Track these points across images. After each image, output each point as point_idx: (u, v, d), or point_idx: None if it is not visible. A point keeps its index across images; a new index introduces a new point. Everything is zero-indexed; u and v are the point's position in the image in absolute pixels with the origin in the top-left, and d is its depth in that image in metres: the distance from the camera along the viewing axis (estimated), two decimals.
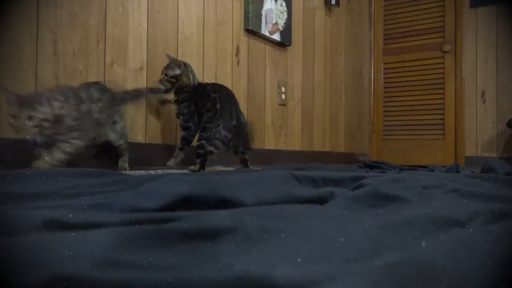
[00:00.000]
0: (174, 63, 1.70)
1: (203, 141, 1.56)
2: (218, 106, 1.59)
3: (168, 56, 1.76)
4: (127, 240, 0.42)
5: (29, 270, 0.35)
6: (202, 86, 1.72)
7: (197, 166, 1.58)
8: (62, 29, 1.51)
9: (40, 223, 0.47)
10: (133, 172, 1.40)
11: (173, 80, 1.68)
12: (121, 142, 1.53)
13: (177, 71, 1.68)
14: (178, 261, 0.44)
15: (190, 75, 1.72)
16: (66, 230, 0.46)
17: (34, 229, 0.47)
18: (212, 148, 1.55)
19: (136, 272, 0.38)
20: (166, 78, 1.68)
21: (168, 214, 0.51)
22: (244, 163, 1.71)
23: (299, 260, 0.46)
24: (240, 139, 1.63)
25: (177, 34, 1.98)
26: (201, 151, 1.56)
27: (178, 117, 1.72)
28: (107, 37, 1.67)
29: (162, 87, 1.69)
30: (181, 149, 1.72)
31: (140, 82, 1.80)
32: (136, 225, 0.46)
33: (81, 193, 0.75)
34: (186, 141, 1.71)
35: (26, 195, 0.75)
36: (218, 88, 1.66)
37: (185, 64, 1.72)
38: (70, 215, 0.49)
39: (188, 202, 0.59)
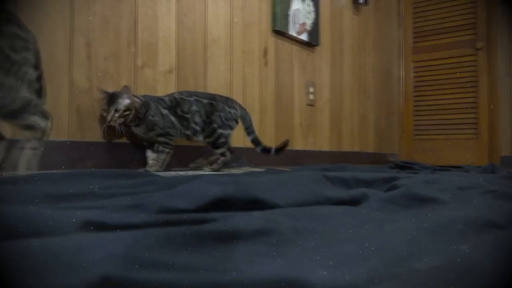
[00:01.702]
0: (119, 95, 1.46)
1: (219, 130, 1.67)
2: (206, 101, 1.68)
3: (101, 91, 1.50)
4: (164, 241, 0.42)
5: (72, 271, 0.36)
6: (156, 98, 1.62)
7: (223, 157, 1.68)
8: (95, 33, 1.54)
9: (79, 224, 0.48)
10: (163, 173, 1.42)
11: (127, 113, 1.46)
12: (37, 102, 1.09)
13: (127, 101, 1.46)
14: (214, 262, 0.44)
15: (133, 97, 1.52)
16: (104, 231, 0.47)
17: (73, 230, 0.48)
18: (229, 131, 1.70)
19: (174, 273, 0.38)
20: (119, 114, 1.45)
21: (203, 215, 0.51)
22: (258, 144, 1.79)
23: (336, 262, 0.45)
24: (246, 116, 1.77)
25: (205, 36, 2.00)
26: (223, 140, 1.68)
27: (153, 130, 1.56)
28: (138, 40, 1.70)
29: (116, 125, 1.47)
30: (162, 151, 1.58)
31: (169, 84, 1.82)
32: (172, 226, 0.46)
33: (115, 193, 0.76)
34: (169, 145, 1.60)
35: (62, 196, 0.77)
36: (187, 93, 1.68)
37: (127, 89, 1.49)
38: (108, 216, 0.49)
39: (222, 203, 0.59)
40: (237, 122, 1.75)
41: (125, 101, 1.46)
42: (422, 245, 0.54)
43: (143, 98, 1.55)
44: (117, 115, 1.45)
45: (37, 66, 1.11)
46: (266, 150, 1.75)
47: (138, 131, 1.56)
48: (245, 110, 1.79)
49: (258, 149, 1.76)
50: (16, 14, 1.08)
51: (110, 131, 1.55)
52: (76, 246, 0.41)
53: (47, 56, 1.40)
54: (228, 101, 1.74)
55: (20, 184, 0.89)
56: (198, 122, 1.66)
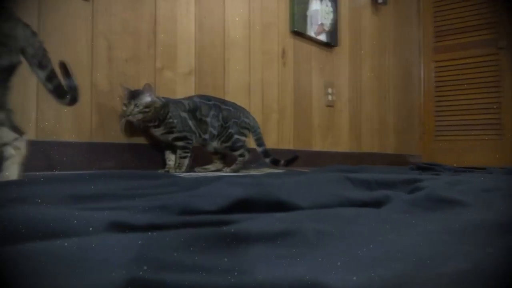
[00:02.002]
0: (141, 91, 1.50)
1: (237, 136, 1.71)
2: (224, 106, 1.72)
3: (123, 87, 1.53)
4: (189, 242, 0.43)
5: (98, 272, 0.36)
6: (176, 101, 1.63)
7: (241, 158, 1.72)
8: (116, 36, 1.56)
9: (104, 225, 0.49)
10: (183, 174, 1.43)
11: (146, 109, 1.48)
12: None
13: (148, 99, 1.49)
14: (237, 264, 0.44)
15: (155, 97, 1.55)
16: (130, 231, 0.47)
17: (98, 230, 0.49)
18: (244, 137, 1.75)
19: (199, 274, 0.38)
20: (138, 109, 1.47)
21: (226, 216, 0.52)
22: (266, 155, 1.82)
23: (358, 266, 0.45)
24: (257, 128, 1.82)
25: (224, 38, 2.00)
26: (240, 143, 1.72)
27: (171, 133, 1.58)
28: (157, 43, 1.71)
29: (134, 119, 1.49)
30: (184, 157, 1.60)
31: (189, 86, 1.83)
32: (197, 228, 0.46)
33: (138, 194, 0.77)
34: (188, 149, 1.61)
35: (86, 196, 0.78)
36: (206, 97, 1.71)
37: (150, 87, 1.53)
38: (133, 217, 0.50)
39: (244, 205, 0.59)
40: (249, 130, 1.79)
41: (146, 98, 1.49)
42: (447, 248, 0.53)
43: (164, 100, 1.56)
44: (136, 110, 1.47)
45: (42, 65, 1.05)
46: (276, 161, 1.79)
47: (157, 132, 1.58)
48: (256, 122, 1.82)
49: (268, 160, 1.80)
50: (7, 8, 1.01)
51: (128, 127, 1.58)
52: (101, 247, 0.41)
53: (70, 59, 1.42)
54: (244, 111, 1.79)
55: (43, 184, 0.90)
56: (216, 126, 1.68)
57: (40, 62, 1.05)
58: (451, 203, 0.80)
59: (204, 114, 1.65)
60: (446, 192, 0.82)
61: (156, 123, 1.55)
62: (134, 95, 1.48)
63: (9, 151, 1.00)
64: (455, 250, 0.53)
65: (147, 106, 1.49)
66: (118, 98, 1.57)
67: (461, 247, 0.55)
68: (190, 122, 1.62)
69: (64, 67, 1.11)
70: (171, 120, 1.56)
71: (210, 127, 1.66)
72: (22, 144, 1.02)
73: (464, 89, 3.69)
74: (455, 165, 2.70)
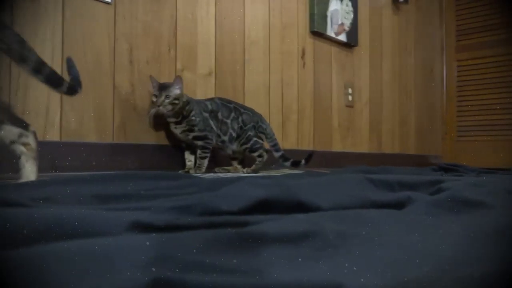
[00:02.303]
0: (171, 83, 1.52)
1: (255, 138, 1.76)
2: (244, 111, 1.76)
3: (151, 78, 1.54)
4: (210, 243, 0.43)
5: (121, 272, 0.37)
6: (199, 101, 1.66)
7: (260, 158, 1.75)
8: (137, 38, 1.58)
9: (127, 225, 0.50)
10: (203, 175, 1.44)
11: (176, 101, 1.51)
12: None
13: (178, 91, 1.52)
14: (259, 265, 0.44)
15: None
16: (151, 232, 0.48)
17: (121, 231, 0.49)
18: (262, 140, 1.80)
19: (221, 275, 0.38)
20: (168, 101, 1.50)
21: (248, 217, 0.52)
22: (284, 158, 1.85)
23: (382, 268, 0.44)
24: (273, 134, 1.85)
25: (244, 39, 2.01)
26: (258, 145, 1.76)
27: (191, 131, 1.58)
28: (178, 44, 1.73)
29: (164, 111, 1.51)
30: (204, 158, 1.60)
31: (209, 87, 1.84)
32: (218, 228, 0.46)
33: (160, 195, 0.78)
34: (207, 149, 1.61)
35: (108, 197, 0.79)
36: (227, 100, 1.75)
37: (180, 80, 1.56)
38: (155, 217, 0.50)
39: (264, 206, 0.59)
40: (264, 135, 1.82)
41: (176, 90, 1.52)
42: (471, 250, 0.52)
43: (188, 97, 1.59)
44: (167, 101, 1.50)
45: (23, 58, 0.99)
46: (296, 163, 1.82)
47: (177, 129, 1.59)
48: (271, 129, 1.86)
49: (288, 163, 1.82)
50: None
51: (151, 126, 1.60)
52: (123, 247, 0.42)
53: (92, 62, 1.45)
54: (261, 117, 1.83)
55: (66, 185, 0.92)
56: (235, 128, 1.71)
57: (21, 55, 0.99)
58: (475, 204, 0.79)
59: (225, 115, 1.68)
60: (469, 194, 0.81)
61: (179, 119, 1.57)
62: (164, 86, 1.52)
63: (19, 148, 0.98)
64: (479, 252, 0.52)
65: (177, 97, 1.52)
66: (139, 98, 1.59)
67: (485, 250, 0.54)
68: (211, 122, 1.64)
69: (68, 61, 1.11)
70: (193, 118, 1.58)
71: (230, 129, 1.68)
72: (30, 139, 1.00)
73: (487, 89, 3.60)
74: (490, 168, 2.64)
